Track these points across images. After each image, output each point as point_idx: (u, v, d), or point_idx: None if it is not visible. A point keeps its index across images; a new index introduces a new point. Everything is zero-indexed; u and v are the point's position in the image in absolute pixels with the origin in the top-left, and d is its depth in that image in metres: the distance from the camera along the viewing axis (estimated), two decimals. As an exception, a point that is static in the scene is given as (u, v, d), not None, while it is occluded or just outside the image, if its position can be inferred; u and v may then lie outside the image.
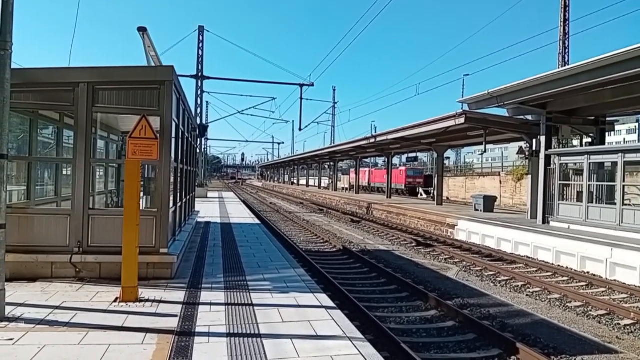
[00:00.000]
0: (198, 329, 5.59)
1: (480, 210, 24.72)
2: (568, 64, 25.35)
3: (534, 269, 14.12)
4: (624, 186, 15.24)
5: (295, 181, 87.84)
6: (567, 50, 27.84)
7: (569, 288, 11.55)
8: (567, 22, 27.75)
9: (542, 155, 19.05)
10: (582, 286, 12.11)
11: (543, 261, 14.99)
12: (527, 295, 11.12)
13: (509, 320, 8.94)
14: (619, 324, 9.01)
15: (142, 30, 14.30)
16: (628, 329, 8.72)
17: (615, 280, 12.43)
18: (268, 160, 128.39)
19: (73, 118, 8.11)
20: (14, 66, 6.02)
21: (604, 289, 11.74)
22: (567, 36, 27.82)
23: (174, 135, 8.82)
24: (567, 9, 27.69)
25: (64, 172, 11.13)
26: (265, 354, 4.88)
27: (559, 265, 14.32)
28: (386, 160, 42.55)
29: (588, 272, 13.34)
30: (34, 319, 5.69)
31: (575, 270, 13.58)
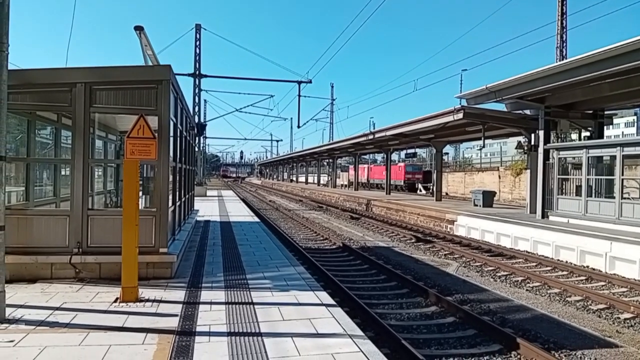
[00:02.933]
0: (198, 329, 5.59)
1: (480, 206, 24.74)
2: (566, 58, 25.34)
3: (534, 264, 14.14)
4: (622, 180, 15.26)
5: (294, 178, 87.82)
6: (565, 44, 27.80)
7: (568, 282, 11.57)
8: (565, 16, 27.70)
9: (540, 150, 19.05)
10: (582, 280, 12.13)
11: (542, 256, 15.01)
12: (526, 290, 11.13)
13: (509, 315, 8.95)
14: (618, 317, 9.02)
15: (139, 29, 14.26)
16: (628, 323, 8.74)
17: (614, 274, 12.45)
18: (267, 157, 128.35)
19: (71, 118, 8.10)
20: (10, 67, 6.00)
21: (603, 283, 11.75)
22: (564, 30, 27.78)
23: (172, 134, 8.82)
24: (565, 2, 27.64)
25: (63, 173, 11.12)
26: (266, 352, 4.89)
27: (558, 260, 14.33)
28: (385, 156, 42.54)
29: (587, 266, 13.36)
30: (34, 320, 5.70)
31: (575, 265, 13.60)
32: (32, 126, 9.34)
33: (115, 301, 6.58)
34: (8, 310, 5.85)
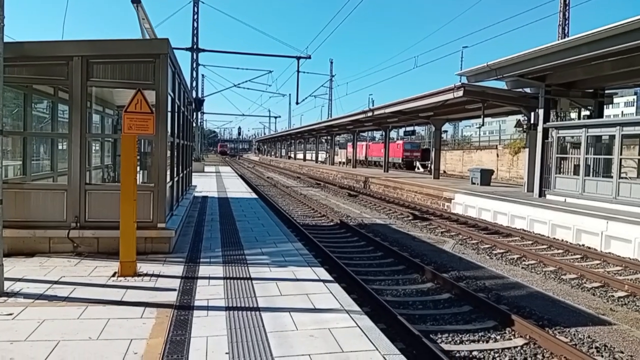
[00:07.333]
0: (197, 303, 5.63)
1: (477, 184, 24.77)
2: (568, 36, 25.07)
3: (530, 242, 14.23)
4: (621, 159, 15.26)
5: (292, 155, 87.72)
6: (567, 22, 27.46)
7: (564, 260, 11.66)
8: (568, -7, 27.31)
9: (539, 129, 19.01)
10: (577, 259, 12.22)
11: (539, 234, 15.10)
12: (522, 267, 11.23)
13: (504, 292, 9.04)
14: (612, 296, 9.12)
15: (137, 2, 14.03)
16: (622, 301, 8.83)
17: (610, 252, 12.54)
18: (265, 134, 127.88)
19: (67, 92, 8.03)
20: (6, 40, 5.92)
21: (598, 262, 11.85)
22: (567, 7, 27.41)
23: (169, 109, 8.76)
24: (568, -21, 27.20)
25: (60, 147, 11.07)
26: (264, 327, 4.93)
27: (554, 238, 14.43)
28: (384, 134, 42.43)
29: (583, 245, 13.45)
30: (32, 294, 5.73)
31: (571, 243, 13.69)
32: (28, 100, 9.25)
33: (113, 275, 6.61)
34: (6, 284, 5.87)
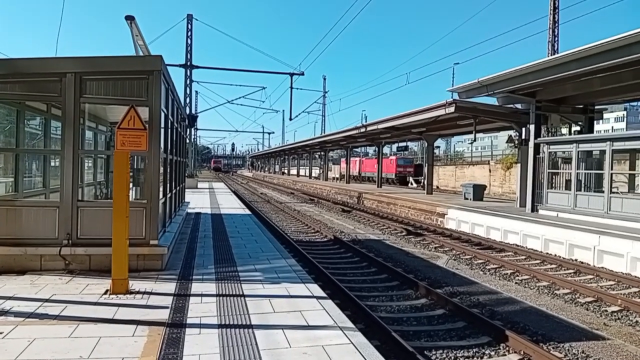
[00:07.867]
0: (189, 321, 5.59)
1: (470, 199, 24.86)
2: (557, 53, 25.41)
3: (523, 257, 14.25)
4: (611, 174, 15.39)
5: (286, 171, 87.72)
6: (556, 39, 27.85)
7: (557, 275, 11.68)
8: (557, 10, 27.73)
9: (531, 144, 19.16)
10: (570, 273, 12.24)
11: (532, 249, 15.13)
12: (516, 282, 11.23)
13: (498, 307, 9.02)
14: (606, 310, 9.12)
15: (130, 19, 14.08)
16: (615, 316, 8.84)
17: (602, 267, 12.57)
18: (258, 150, 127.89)
19: (60, 109, 8.02)
20: (-2, 57, 5.93)
21: (591, 276, 11.87)
22: (556, 24, 27.82)
23: (162, 125, 8.76)
24: (557, -3, 27.64)
25: (52, 164, 11.03)
26: (256, 344, 4.89)
27: (547, 253, 14.45)
28: (377, 149, 42.60)
29: (576, 260, 13.48)
30: (23, 312, 5.66)
31: (564, 258, 13.72)
32: (21, 116, 9.23)
33: (105, 293, 6.55)
34: (-3, 302, 5.81)
